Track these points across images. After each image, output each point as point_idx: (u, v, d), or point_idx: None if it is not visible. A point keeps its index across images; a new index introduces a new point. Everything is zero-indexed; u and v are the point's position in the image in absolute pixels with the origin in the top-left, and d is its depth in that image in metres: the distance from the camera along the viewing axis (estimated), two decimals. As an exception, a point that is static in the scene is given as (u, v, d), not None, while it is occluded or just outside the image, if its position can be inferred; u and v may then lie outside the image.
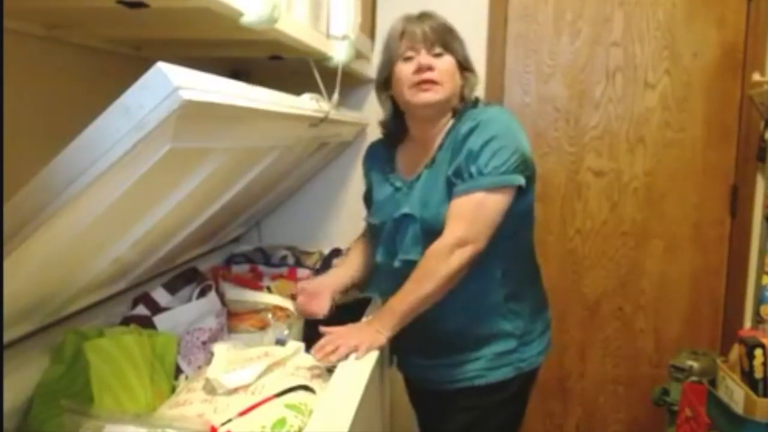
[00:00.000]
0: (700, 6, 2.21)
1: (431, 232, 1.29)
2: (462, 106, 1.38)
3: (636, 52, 2.25)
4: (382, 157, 1.52)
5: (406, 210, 1.36)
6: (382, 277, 1.45)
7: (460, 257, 1.24)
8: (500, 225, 1.27)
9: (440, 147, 1.37)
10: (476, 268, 1.29)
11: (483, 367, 1.37)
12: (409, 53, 1.34)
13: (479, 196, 1.24)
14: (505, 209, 1.27)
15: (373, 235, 1.52)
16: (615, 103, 2.28)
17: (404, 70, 1.34)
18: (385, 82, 1.41)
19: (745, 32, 2.19)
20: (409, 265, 1.31)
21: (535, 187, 1.39)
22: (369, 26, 2.09)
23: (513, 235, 1.34)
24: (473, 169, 1.25)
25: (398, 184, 1.43)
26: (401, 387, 1.65)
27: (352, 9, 1.59)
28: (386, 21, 2.17)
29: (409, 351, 1.49)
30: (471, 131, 1.28)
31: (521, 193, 1.30)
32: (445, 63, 1.34)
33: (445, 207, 1.30)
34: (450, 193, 1.30)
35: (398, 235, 1.37)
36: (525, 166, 1.28)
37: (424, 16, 1.37)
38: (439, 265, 1.25)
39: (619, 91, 2.27)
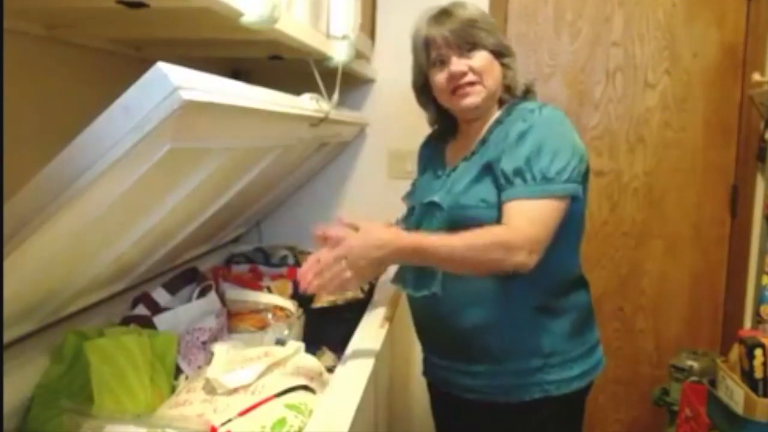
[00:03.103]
0: (700, 6, 2.21)
1: (454, 221, 1.23)
2: (509, 97, 1.33)
3: (636, 52, 2.25)
4: (434, 146, 1.48)
5: (434, 198, 1.30)
6: (404, 267, 1.39)
7: (521, 261, 1.12)
8: None
9: (483, 140, 1.31)
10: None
11: (504, 383, 1.27)
12: (440, 59, 1.29)
13: (549, 203, 1.17)
14: (563, 219, 1.19)
15: (405, 218, 1.47)
16: (615, 103, 2.28)
17: (439, 79, 1.30)
18: (423, 87, 1.38)
19: (745, 32, 2.19)
20: None
21: (587, 188, 1.29)
22: (369, 26, 2.09)
23: (557, 240, 1.19)
24: (537, 172, 1.17)
25: (439, 172, 1.39)
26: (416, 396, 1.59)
27: (352, 9, 1.59)
28: (386, 21, 2.19)
29: (429, 350, 1.42)
30: (525, 133, 1.21)
31: (575, 200, 1.22)
32: (479, 59, 1.28)
33: (469, 195, 1.24)
34: (483, 183, 1.24)
35: (424, 221, 1.33)
36: (581, 172, 1.22)
37: (443, 16, 1.29)
38: (497, 253, 1.12)
39: (619, 91, 2.27)
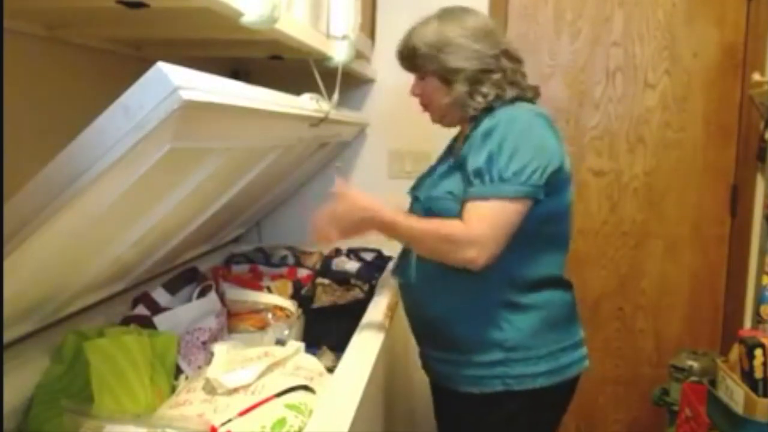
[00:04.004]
0: (700, 6, 2.21)
1: (426, 211, 1.31)
2: (479, 112, 1.32)
3: (636, 52, 2.25)
4: (449, 146, 1.51)
5: (417, 192, 1.42)
6: (401, 254, 1.46)
7: (468, 258, 1.19)
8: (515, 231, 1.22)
9: (462, 150, 1.33)
10: None
11: (469, 374, 1.31)
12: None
13: (501, 203, 1.20)
14: (521, 220, 1.21)
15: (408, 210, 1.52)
16: (615, 103, 2.28)
17: None
18: None
19: (745, 32, 2.20)
20: (409, 247, 1.37)
21: (566, 194, 1.31)
22: (369, 26, 2.09)
23: (525, 239, 1.24)
24: (495, 172, 1.20)
25: (432, 169, 1.46)
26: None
27: (352, 9, 1.59)
28: (386, 21, 2.19)
29: (417, 339, 1.47)
30: (490, 131, 1.24)
31: (539, 201, 1.23)
32: (426, 86, 1.37)
33: (439, 187, 1.31)
34: (452, 178, 1.30)
35: (413, 212, 1.39)
36: (543, 173, 1.22)
37: (399, 45, 1.39)
38: (444, 245, 1.22)
39: (619, 91, 2.27)
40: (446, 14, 1.35)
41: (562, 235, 1.35)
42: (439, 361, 1.39)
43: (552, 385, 1.30)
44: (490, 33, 1.34)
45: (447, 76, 1.32)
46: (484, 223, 1.19)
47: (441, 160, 1.46)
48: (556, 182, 1.25)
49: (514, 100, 1.32)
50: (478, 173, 1.22)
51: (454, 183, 1.29)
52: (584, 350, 1.38)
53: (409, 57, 1.37)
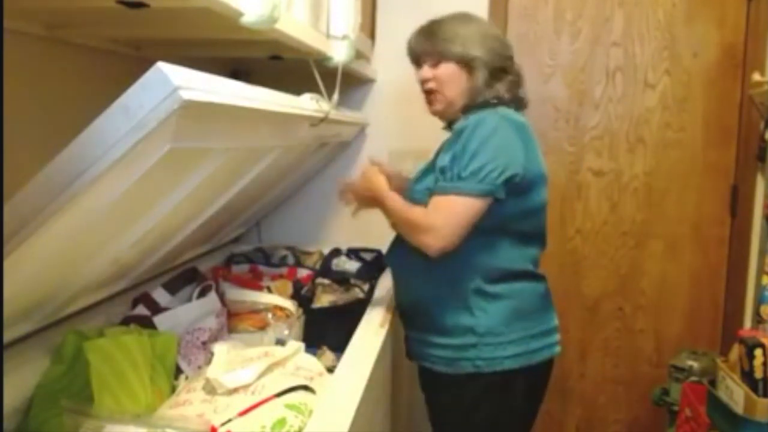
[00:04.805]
0: (700, 6, 2.21)
1: (411, 202, 1.41)
2: (472, 105, 1.42)
3: (636, 52, 2.25)
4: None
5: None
6: (393, 241, 1.55)
7: (425, 243, 1.32)
8: (481, 222, 1.32)
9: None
10: (452, 253, 1.33)
11: (445, 355, 1.40)
12: (417, 66, 1.47)
13: (458, 198, 1.30)
14: (478, 215, 1.31)
15: None
16: (615, 103, 2.28)
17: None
18: None
19: (745, 32, 2.19)
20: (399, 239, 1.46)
21: (537, 194, 1.40)
22: (369, 26, 2.09)
23: (495, 234, 1.37)
24: (456, 171, 1.31)
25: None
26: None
27: (352, 9, 1.59)
28: (386, 21, 2.19)
29: (402, 321, 1.56)
30: (460, 132, 1.33)
31: (504, 199, 1.32)
32: (442, 70, 1.42)
33: (419, 183, 1.42)
34: (431, 175, 1.39)
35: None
36: (501, 174, 1.29)
37: (424, 28, 1.45)
38: (407, 228, 1.37)
39: (619, 91, 2.27)
40: (461, 15, 1.46)
41: (535, 232, 1.45)
42: (417, 341, 1.48)
43: (520, 368, 1.38)
44: (504, 40, 1.49)
45: (469, 63, 1.41)
46: (440, 213, 1.31)
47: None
48: (522, 183, 1.33)
49: (508, 104, 1.42)
50: (443, 170, 1.34)
51: (431, 180, 1.38)
52: (556, 337, 1.47)
53: (430, 40, 1.42)
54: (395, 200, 1.40)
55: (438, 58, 1.42)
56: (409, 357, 1.54)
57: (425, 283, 1.42)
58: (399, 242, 1.46)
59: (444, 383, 1.42)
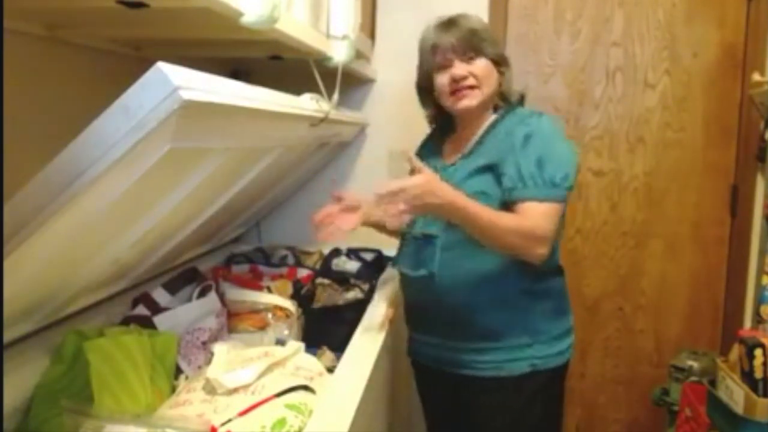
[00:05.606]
0: (700, 6, 2.21)
1: None
2: (503, 103, 1.45)
3: (636, 52, 2.25)
4: (432, 145, 1.58)
5: None
6: (404, 249, 1.50)
7: (539, 253, 1.28)
8: None
9: (480, 141, 1.43)
10: (497, 257, 1.33)
11: (497, 359, 1.38)
12: (444, 63, 1.41)
13: (555, 205, 1.31)
14: None
15: None
16: (615, 103, 2.28)
17: (442, 81, 1.42)
18: (426, 88, 1.49)
19: (745, 32, 2.19)
20: (429, 240, 1.40)
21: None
22: (369, 26, 2.09)
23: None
24: (547, 177, 1.30)
25: (438, 166, 1.47)
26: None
27: (352, 9, 1.59)
28: (386, 21, 2.19)
29: (422, 330, 1.51)
30: (530, 137, 1.33)
31: None
32: (479, 66, 1.40)
33: (467, 186, 1.33)
34: (482, 178, 1.36)
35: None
36: (575, 177, 1.36)
37: (450, 25, 1.41)
38: (517, 238, 1.26)
39: (619, 91, 2.27)
40: (466, 15, 1.45)
41: (563, 226, 1.45)
42: (460, 351, 1.42)
43: (564, 364, 1.44)
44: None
45: (500, 62, 1.43)
46: (548, 222, 1.29)
47: (439, 158, 1.50)
48: None
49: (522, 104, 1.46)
50: (532, 176, 1.31)
51: (485, 183, 1.36)
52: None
53: (470, 39, 1.39)
54: (482, 207, 1.25)
55: (472, 56, 1.39)
56: (432, 365, 1.49)
57: (473, 288, 1.37)
58: (429, 247, 1.40)
59: (491, 387, 1.40)
